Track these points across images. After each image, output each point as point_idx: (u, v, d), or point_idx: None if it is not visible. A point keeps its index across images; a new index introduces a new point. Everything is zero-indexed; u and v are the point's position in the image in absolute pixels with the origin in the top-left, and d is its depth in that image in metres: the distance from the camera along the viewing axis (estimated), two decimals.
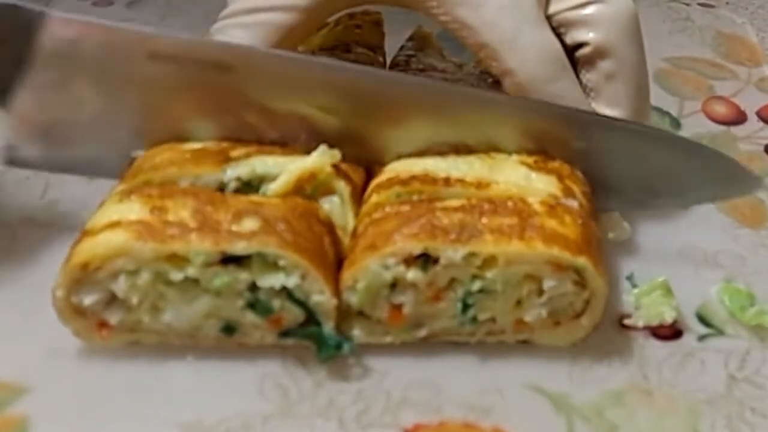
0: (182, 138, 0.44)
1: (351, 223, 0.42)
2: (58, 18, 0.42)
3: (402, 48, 0.54)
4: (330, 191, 0.42)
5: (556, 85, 0.43)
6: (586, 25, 0.43)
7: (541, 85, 0.43)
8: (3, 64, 0.42)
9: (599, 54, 0.44)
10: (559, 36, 0.44)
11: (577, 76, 0.44)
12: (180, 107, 0.43)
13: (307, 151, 0.42)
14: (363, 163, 0.44)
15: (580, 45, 0.44)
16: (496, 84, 0.48)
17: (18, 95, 0.43)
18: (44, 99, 0.43)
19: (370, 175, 0.44)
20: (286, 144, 0.44)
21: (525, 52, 0.43)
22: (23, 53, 0.42)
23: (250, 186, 0.42)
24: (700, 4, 0.73)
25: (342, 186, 0.42)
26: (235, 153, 0.42)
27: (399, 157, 0.44)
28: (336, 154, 0.42)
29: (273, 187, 0.41)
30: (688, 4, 0.72)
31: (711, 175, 0.44)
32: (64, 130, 0.44)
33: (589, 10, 0.43)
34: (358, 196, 0.43)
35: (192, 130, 0.44)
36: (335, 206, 0.42)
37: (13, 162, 0.45)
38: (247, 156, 0.42)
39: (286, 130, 0.43)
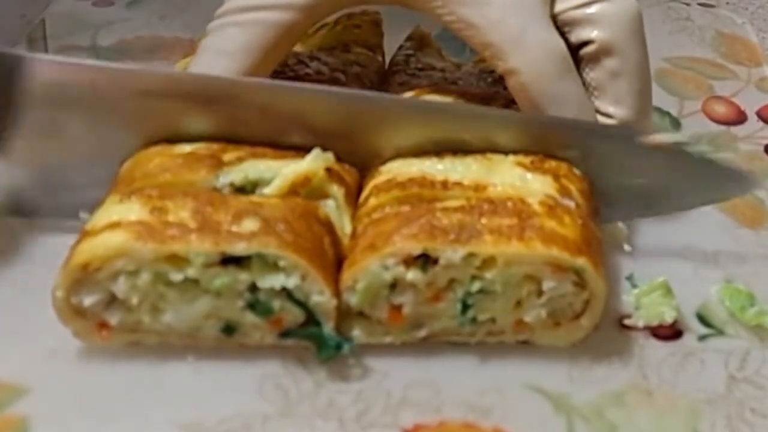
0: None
1: (347, 226, 0.42)
2: (45, 61, 0.42)
3: (401, 48, 0.54)
4: (324, 195, 0.42)
5: (560, 84, 0.43)
6: (591, 23, 0.44)
7: (546, 84, 0.43)
8: None
9: (604, 52, 0.44)
10: (563, 35, 0.44)
11: (580, 75, 0.44)
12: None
13: (300, 150, 0.42)
14: (358, 162, 0.44)
15: (585, 44, 0.44)
16: (496, 83, 0.48)
17: (13, 141, 0.43)
18: (39, 144, 0.44)
19: (362, 173, 0.44)
20: (278, 142, 0.43)
21: (530, 51, 0.43)
22: (11, 98, 0.42)
23: (243, 191, 0.41)
24: (700, 4, 0.73)
25: (336, 189, 0.42)
26: (227, 157, 0.42)
27: (396, 155, 0.43)
28: (330, 158, 0.42)
29: (267, 192, 0.41)
30: (688, 4, 0.72)
31: (708, 179, 0.44)
32: (61, 174, 0.45)
33: (594, 8, 0.44)
34: (353, 198, 0.43)
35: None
36: (331, 210, 0.42)
37: (16, 211, 0.46)
38: (240, 160, 0.42)
39: (279, 128, 0.43)
